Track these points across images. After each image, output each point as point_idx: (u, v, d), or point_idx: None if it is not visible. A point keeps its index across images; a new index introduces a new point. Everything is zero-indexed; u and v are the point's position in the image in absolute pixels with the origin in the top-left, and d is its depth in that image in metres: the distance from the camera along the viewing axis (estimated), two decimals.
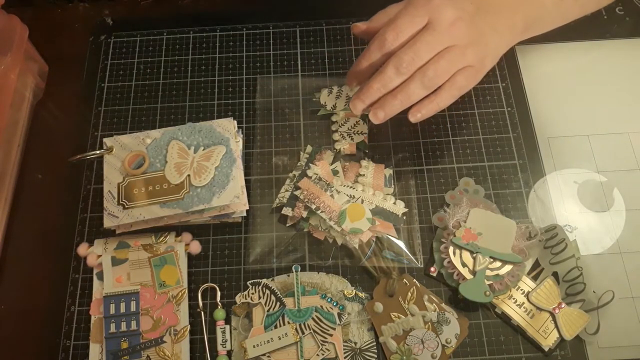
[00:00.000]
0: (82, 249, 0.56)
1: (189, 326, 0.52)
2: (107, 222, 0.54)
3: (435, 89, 0.52)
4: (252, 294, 0.52)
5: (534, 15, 0.56)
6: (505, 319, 0.52)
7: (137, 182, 0.55)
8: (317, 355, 0.50)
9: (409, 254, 0.55)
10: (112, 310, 0.52)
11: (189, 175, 0.55)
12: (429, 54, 0.50)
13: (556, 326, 0.51)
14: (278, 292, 0.52)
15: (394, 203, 0.56)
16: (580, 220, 0.57)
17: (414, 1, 0.51)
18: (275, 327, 0.51)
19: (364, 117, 0.61)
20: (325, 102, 0.62)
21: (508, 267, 0.52)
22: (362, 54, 0.53)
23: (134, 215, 0.53)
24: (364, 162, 0.58)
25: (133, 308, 0.52)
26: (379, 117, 0.52)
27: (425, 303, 0.52)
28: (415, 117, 0.52)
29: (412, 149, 0.61)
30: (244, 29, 0.69)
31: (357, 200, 0.55)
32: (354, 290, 0.53)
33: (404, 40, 0.51)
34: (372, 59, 0.52)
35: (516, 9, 0.55)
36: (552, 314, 0.52)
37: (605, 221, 0.57)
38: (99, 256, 0.55)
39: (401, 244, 0.55)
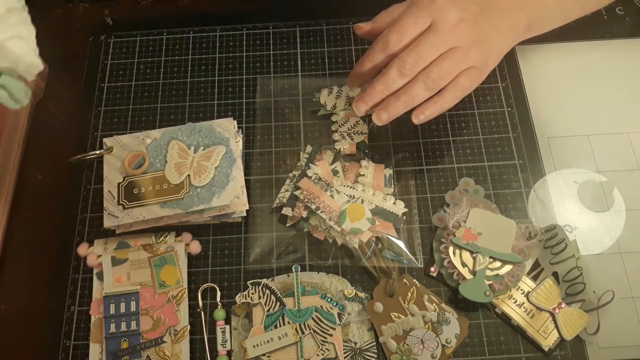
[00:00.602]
0: (82, 249, 0.56)
1: (189, 326, 0.52)
2: (107, 222, 0.54)
3: (439, 90, 0.52)
4: (252, 294, 0.52)
5: (536, 15, 0.56)
6: (505, 319, 0.52)
7: (137, 182, 0.55)
8: (317, 355, 0.50)
9: (409, 254, 0.55)
10: (112, 310, 0.52)
11: (189, 175, 0.55)
12: (432, 56, 0.50)
13: (556, 326, 0.51)
14: (278, 292, 0.52)
15: (394, 203, 0.56)
16: (580, 220, 0.57)
17: (417, 2, 0.51)
18: (275, 327, 0.51)
19: (364, 117, 0.61)
20: (325, 102, 0.62)
21: (508, 267, 0.52)
22: (365, 55, 0.53)
23: (134, 215, 0.53)
24: (364, 162, 0.58)
25: (133, 308, 0.52)
26: (382, 118, 0.52)
27: (425, 303, 0.52)
28: (418, 118, 0.52)
29: (412, 149, 0.61)
30: (244, 29, 0.69)
31: (357, 200, 0.55)
32: (354, 290, 0.53)
33: (407, 41, 0.50)
34: (375, 60, 0.52)
35: (519, 9, 0.55)
36: (552, 314, 0.52)
37: (605, 221, 0.57)
38: (99, 256, 0.55)
39: (401, 244, 0.55)
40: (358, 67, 0.54)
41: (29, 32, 0.44)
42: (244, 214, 0.57)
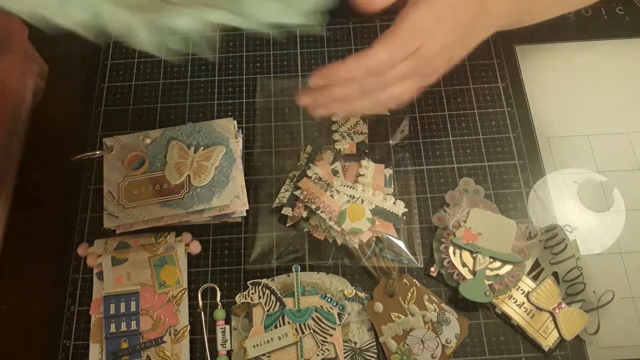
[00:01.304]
0: (82, 249, 0.56)
1: (189, 326, 0.52)
2: (107, 222, 0.54)
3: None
4: (252, 294, 0.52)
5: (514, 24, 0.53)
6: (505, 319, 0.52)
7: (137, 182, 0.55)
8: (317, 355, 0.50)
9: (409, 254, 0.55)
10: (112, 310, 0.52)
11: (188, 175, 0.55)
12: (396, 81, 0.47)
13: (556, 326, 0.51)
14: (278, 292, 0.52)
15: (394, 203, 0.56)
16: (580, 220, 0.57)
17: (401, 28, 0.45)
18: (275, 327, 0.51)
19: (364, 117, 0.61)
20: None
21: (508, 267, 0.52)
22: (345, 63, 0.46)
23: (134, 215, 0.53)
24: (364, 162, 0.58)
25: (133, 308, 0.52)
26: (317, 114, 0.50)
27: (425, 303, 0.52)
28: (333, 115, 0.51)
29: (412, 149, 0.61)
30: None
31: (357, 200, 0.55)
32: (354, 290, 0.53)
33: (392, 66, 0.45)
34: (353, 73, 0.46)
35: (497, 25, 0.51)
36: (552, 314, 0.52)
37: (605, 221, 0.57)
38: (99, 256, 0.54)
39: (401, 244, 0.55)
40: (332, 71, 0.47)
41: None
42: (244, 214, 0.57)
